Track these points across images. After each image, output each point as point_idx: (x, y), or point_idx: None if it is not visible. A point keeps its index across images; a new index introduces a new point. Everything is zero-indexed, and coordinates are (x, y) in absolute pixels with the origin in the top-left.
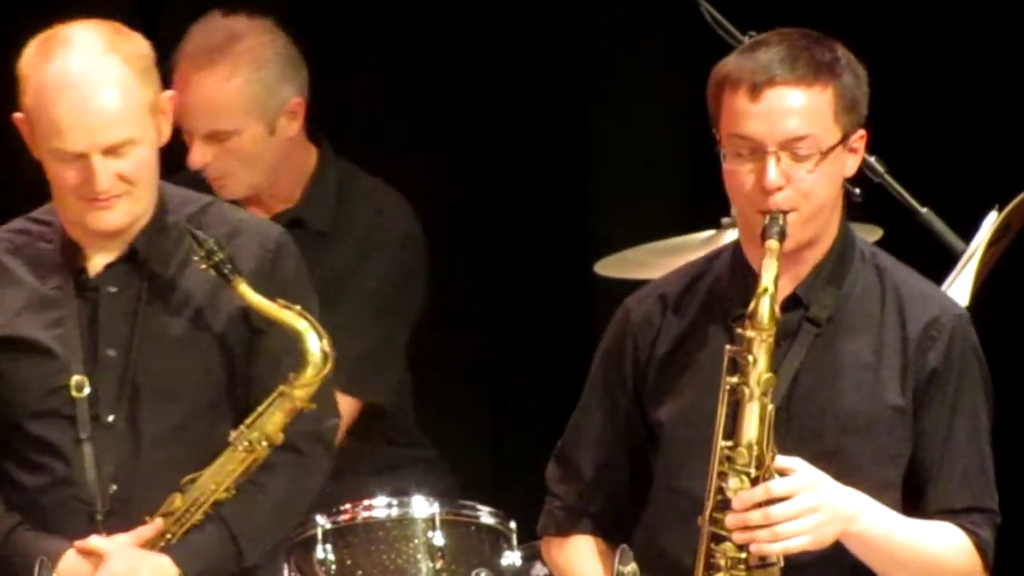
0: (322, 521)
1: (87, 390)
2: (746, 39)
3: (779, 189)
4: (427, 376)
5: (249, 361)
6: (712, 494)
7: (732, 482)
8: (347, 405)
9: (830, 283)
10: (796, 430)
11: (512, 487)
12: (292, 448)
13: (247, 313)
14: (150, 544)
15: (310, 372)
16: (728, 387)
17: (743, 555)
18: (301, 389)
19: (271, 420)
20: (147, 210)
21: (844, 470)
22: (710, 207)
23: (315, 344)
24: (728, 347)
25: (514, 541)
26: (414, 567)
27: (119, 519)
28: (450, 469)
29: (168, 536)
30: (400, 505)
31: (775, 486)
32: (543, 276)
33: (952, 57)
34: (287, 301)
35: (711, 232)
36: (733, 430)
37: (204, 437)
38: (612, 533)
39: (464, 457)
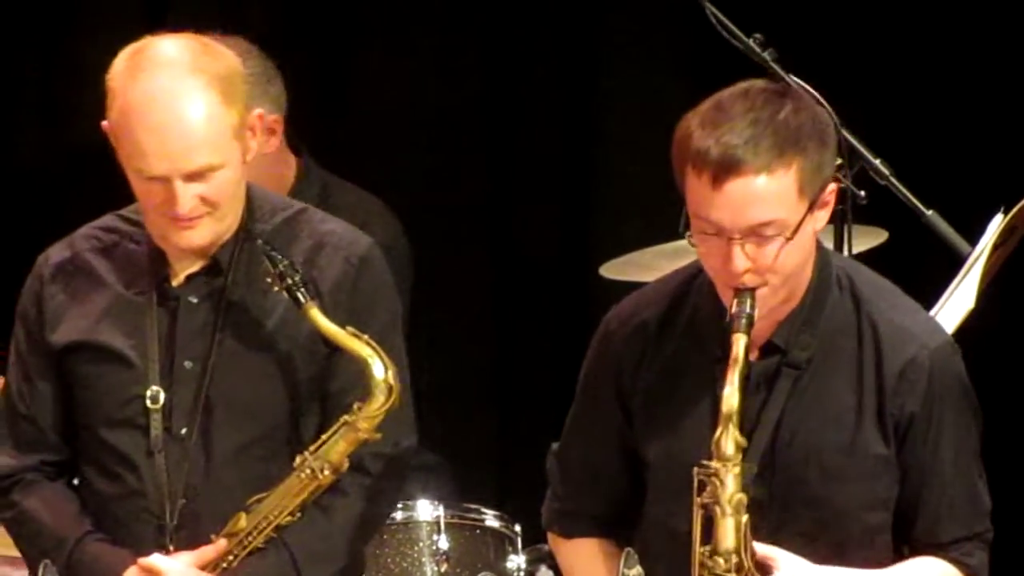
0: None
1: (162, 401)
2: (751, 41)
3: (746, 271)
4: (433, 379)
5: (324, 380)
6: None
7: None
8: None
9: (807, 324)
10: (781, 478)
11: (517, 491)
12: (363, 470)
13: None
14: (211, 565)
15: (375, 404)
16: (699, 504)
17: None
18: (365, 421)
19: (334, 449)
20: (231, 226)
21: (830, 517)
22: None
23: (381, 374)
24: (696, 469)
25: (519, 544)
26: (419, 570)
27: (187, 533)
28: (455, 472)
29: (230, 558)
30: (405, 508)
31: None
32: (549, 278)
33: (957, 59)
34: (366, 316)
35: None
36: (710, 538)
37: (274, 456)
38: (616, 531)
39: (470, 460)
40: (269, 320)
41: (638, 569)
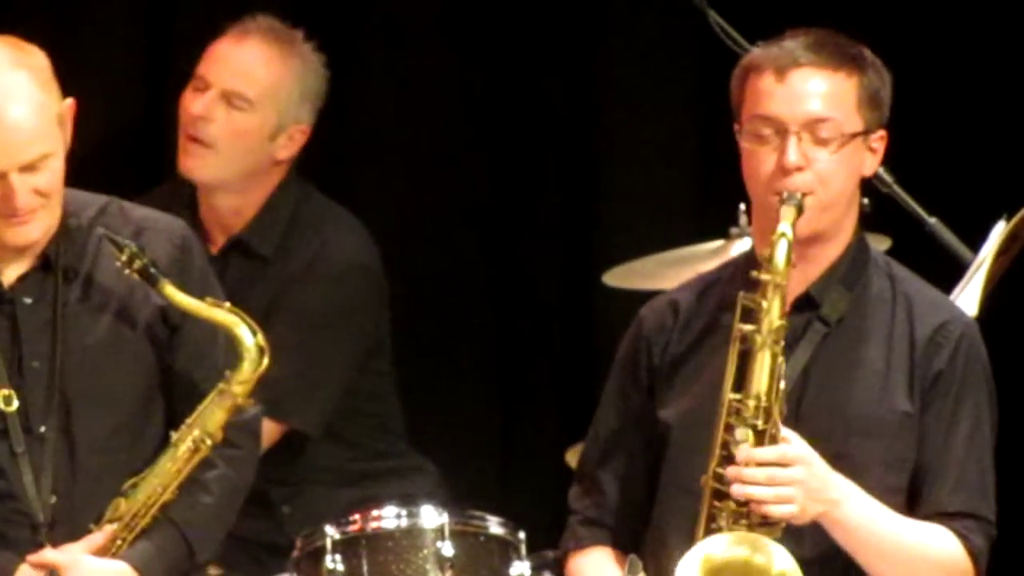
0: (331, 531)
1: (16, 403)
2: (754, 49)
3: (798, 170)
4: (436, 386)
5: (172, 357)
6: (717, 449)
7: (739, 433)
8: (267, 429)
9: (843, 284)
10: (805, 430)
11: (522, 497)
12: (227, 442)
13: (165, 310)
14: (103, 551)
15: (247, 367)
16: (739, 335)
17: (745, 511)
18: (239, 385)
19: (212, 418)
20: (57, 221)
21: (850, 472)
22: (718, 217)
23: (249, 339)
24: (741, 293)
25: (523, 551)
26: None
27: (63, 529)
28: (459, 479)
29: (119, 542)
30: (409, 515)
31: (784, 450)
32: (551, 286)
33: (960, 67)
34: (203, 292)
35: (719, 242)
36: (742, 383)
37: (138, 439)
38: (630, 547)
39: (474, 467)
40: (107, 309)
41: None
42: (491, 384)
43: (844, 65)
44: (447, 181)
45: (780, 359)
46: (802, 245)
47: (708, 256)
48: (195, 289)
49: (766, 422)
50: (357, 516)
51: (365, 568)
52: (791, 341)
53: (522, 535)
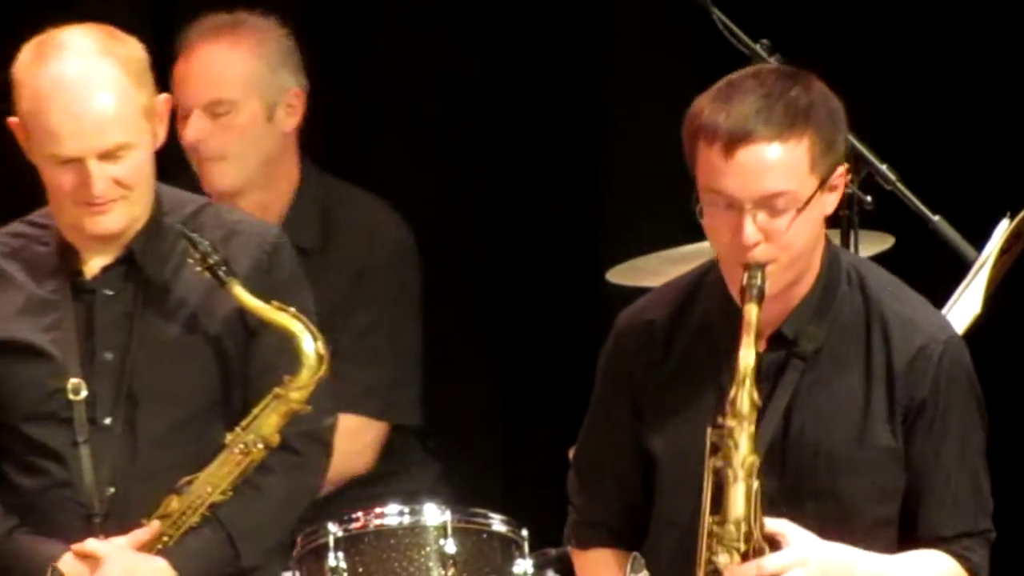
0: (334, 529)
1: (84, 393)
2: (757, 47)
3: (756, 244)
4: (439, 383)
5: (245, 362)
6: (703, 566)
7: (722, 557)
8: (379, 430)
9: (816, 315)
10: (790, 470)
11: (525, 495)
12: (289, 448)
13: (243, 314)
14: (147, 547)
15: (305, 374)
16: (711, 467)
17: None
18: (296, 391)
19: (266, 422)
20: (144, 213)
21: (838, 509)
22: None
23: (310, 346)
24: (710, 430)
25: (526, 549)
26: (426, 575)
27: (116, 521)
28: (462, 476)
29: (165, 539)
30: (412, 513)
31: (767, 564)
32: (555, 284)
33: (963, 65)
34: (283, 302)
35: None
36: (719, 506)
37: (201, 439)
38: (632, 543)
39: (477, 465)
40: (186, 307)
41: (645, 574)
42: (494, 381)
43: (795, 128)
44: (450, 179)
45: (755, 486)
46: (771, 296)
47: (711, 253)
48: (275, 295)
49: (747, 543)
50: (360, 513)
51: (367, 565)
52: (769, 377)
53: (525, 532)
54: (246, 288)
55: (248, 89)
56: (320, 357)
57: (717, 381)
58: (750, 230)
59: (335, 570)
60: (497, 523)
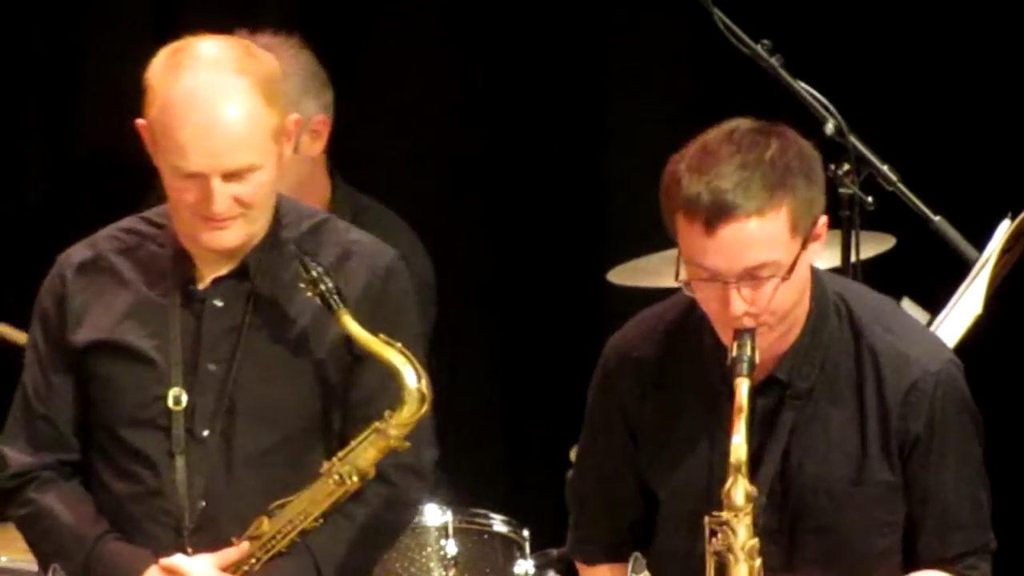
0: None
1: (184, 403)
2: (758, 47)
3: (744, 314)
4: (440, 384)
5: (347, 389)
6: None
7: None
8: None
9: (807, 354)
10: (790, 508)
11: (526, 495)
12: (385, 480)
13: (350, 340)
14: (234, 567)
15: (406, 412)
16: (712, 552)
17: None
18: (396, 428)
19: (363, 455)
20: (261, 230)
21: (840, 543)
22: None
23: (413, 382)
24: (707, 518)
25: (527, 549)
26: (427, 575)
27: (205, 535)
28: (464, 477)
29: (253, 561)
30: None
31: None
32: (556, 284)
33: (964, 66)
34: (391, 328)
35: None
36: None
37: (296, 461)
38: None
39: (478, 465)
40: (294, 327)
41: (646, 574)
42: (496, 381)
43: (774, 198)
44: (451, 180)
45: (758, 563)
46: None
47: None
48: (384, 321)
49: None
50: None
51: None
52: (765, 420)
53: (526, 533)
54: (355, 312)
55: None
56: (422, 395)
57: (715, 412)
58: (736, 303)
59: None
60: (498, 524)
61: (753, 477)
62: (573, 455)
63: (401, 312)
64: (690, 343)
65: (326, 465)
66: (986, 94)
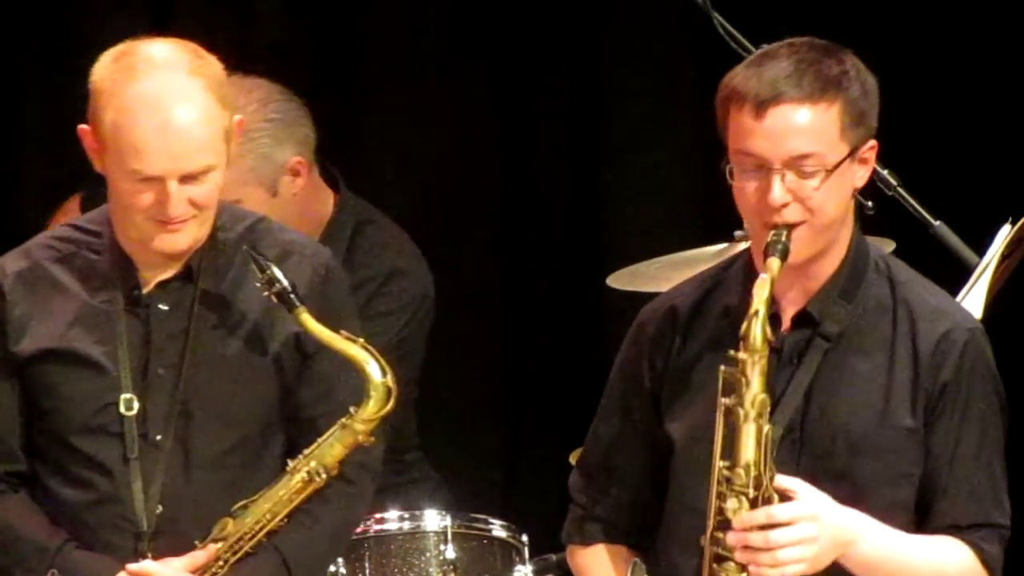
0: None
1: (136, 408)
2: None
3: (784, 206)
4: (440, 388)
5: (299, 385)
6: (712, 514)
7: (731, 503)
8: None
9: (842, 297)
10: (808, 450)
11: (525, 501)
12: (343, 478)
13: (299, 337)
14: (203, 570)
15: (373, 406)
16: (723, 407)
17: (744, 575)
18: (363, 423)
19: (330, 452)
20: (207, 232)
21: (854, 491)
22: (722, 221)
23: (378, 377)
24: (722, 368)
25: (526, 554)
26: None
27: (164, 540)
28: (463, 482)
29: (220, 563)
30: (412, 518)
31: (777, 512)
32: (556, 289)
33: (965, 69)
34: (336, 325)
35: (723, 245)
36: (731, 450)
37: (253, 461)
38: (635, 541)
39: (477, 470)
40: (242, 326)
41: None
42: (495, 386)
43: (826, 93)
44: (452, 184)
45: (767, 429)
46: (799, 266)
47: (712, 259)
48: (330, 320)
49: (757, 489)
50: None
51: (368, 571)
52: (793, 358)
53: (525, 538)
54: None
55: (245, 186)
56: (389, 389)
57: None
58: (778, 190)
59: (335, 575)
60: (497, 529)
61: (774, 411)
62: (573, 460)
63: (343, 308)
64: (722, 294)
65: (292, 463)
66: (986, 99)
